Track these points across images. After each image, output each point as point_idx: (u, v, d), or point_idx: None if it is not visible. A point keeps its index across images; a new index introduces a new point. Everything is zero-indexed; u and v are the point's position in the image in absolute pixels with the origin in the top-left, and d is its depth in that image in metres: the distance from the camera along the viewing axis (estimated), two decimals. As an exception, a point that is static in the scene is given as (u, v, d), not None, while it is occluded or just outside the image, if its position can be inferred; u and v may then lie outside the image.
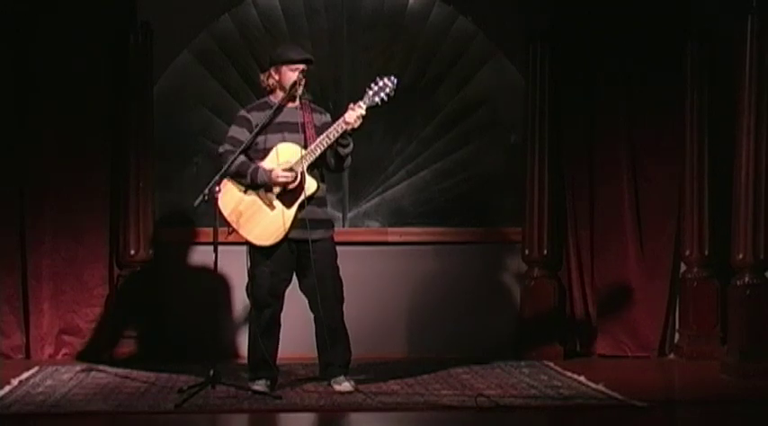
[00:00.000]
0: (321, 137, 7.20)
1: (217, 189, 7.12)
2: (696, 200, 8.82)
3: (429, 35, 9.05)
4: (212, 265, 7.20)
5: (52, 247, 8.66)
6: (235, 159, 7.17)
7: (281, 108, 7.29)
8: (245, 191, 7.25)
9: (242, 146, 7.21)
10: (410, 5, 9.04)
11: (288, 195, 7.22)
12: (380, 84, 7.24)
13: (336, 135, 7.18)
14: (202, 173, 8.51)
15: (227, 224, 7.24)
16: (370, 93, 7.22)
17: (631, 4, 8.83)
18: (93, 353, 8.66)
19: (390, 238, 9.01)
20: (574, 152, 8.99)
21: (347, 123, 7.17)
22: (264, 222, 7.22)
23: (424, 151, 9.10)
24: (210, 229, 7.22)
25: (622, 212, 8.97)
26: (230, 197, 7.25)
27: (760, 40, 7.97)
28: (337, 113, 7.64)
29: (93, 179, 8.71)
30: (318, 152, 7.19)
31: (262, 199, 7.23)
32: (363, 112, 7.18)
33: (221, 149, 7.29)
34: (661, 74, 8.90)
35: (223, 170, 7.17)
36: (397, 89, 7.25)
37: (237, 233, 7.24)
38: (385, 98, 7.24)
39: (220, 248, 7.21)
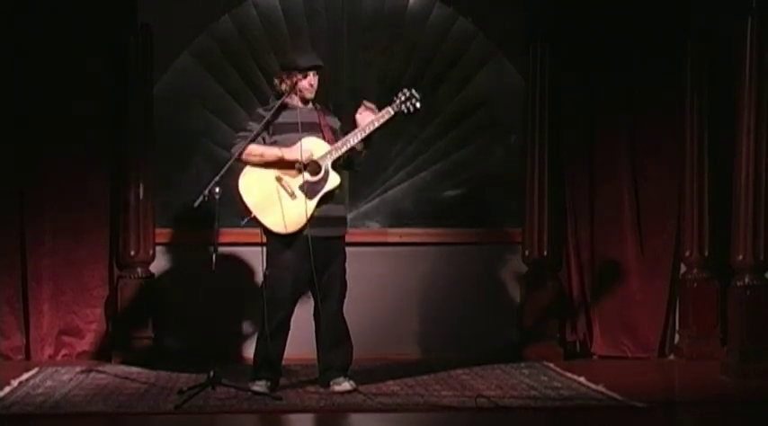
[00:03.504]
0: (351, 134, 7.29)
1: (217, 190, 7.12)
2: (696, 200, 8.83)
3: (429, 36, 9.04)
4: (212, 266, 7.20)
5: (52, 247, 8.66)
6: (243, 149, 7.20)
7: (294, 108, 7.36)
8: (267, 178, 7.23)
9: (251, 136, 7.26)
10: (410, 6, 9.03)
11: (311, 187, 7.24)
12: (408, 94, 7.37)
13: (364, 135, 7.28)
14: (202, 173, 8.50)
15: (246, 210, 7.22)
16: (398, 101, 7.35)
17: (631, 4, 8.83)
18: (92, 354, 8.67)
19: (390, 239, 9.01)
20: (574, 152, 8.99)
21: (374, 124, 7.29)
22: (285, 211, 7.19)
23: (424, 152, 9.09)
24: (211, 230, 7.23)
25: (622, 212, 8.97)
26: (252, 182, 7.24)
27: (760, 40, 7.97)
28: (340, 115, 7.68)
29: (93, 179, 8.70)
30: (344, 149, 7.29)
31: (284, 188, 7.23)
32: (392, 114, 7.33)
33: (235, 140, 7.31)
34: (661, 74, 8.90)
35: (224, 169, 7.18)
36: (419, 107, 7.39)
37: (255, 219, 7.21)
38: (411, 109, 7.37)
39: (220, 249, 7.21)
